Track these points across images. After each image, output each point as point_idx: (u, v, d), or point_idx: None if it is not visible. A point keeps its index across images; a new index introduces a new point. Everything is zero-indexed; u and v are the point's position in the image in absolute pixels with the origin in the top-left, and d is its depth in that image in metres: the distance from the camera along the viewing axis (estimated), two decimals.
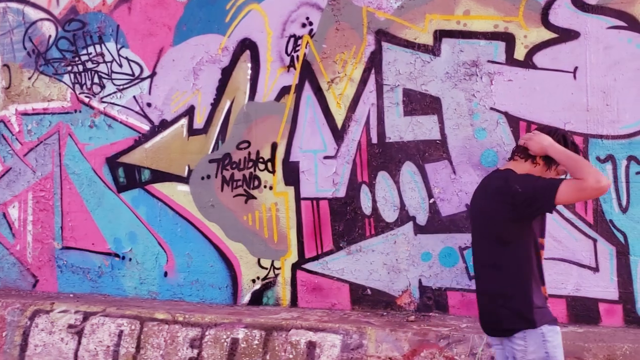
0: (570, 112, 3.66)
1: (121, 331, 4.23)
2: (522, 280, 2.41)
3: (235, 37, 4.47)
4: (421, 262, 4.01)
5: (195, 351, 4.02)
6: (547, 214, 2.55)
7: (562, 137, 2.65)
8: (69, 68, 5.01)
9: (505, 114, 3.80)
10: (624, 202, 3.57)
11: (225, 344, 3.95)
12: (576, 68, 3.65)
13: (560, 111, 3.68)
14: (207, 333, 4.03)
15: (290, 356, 3.77)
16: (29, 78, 5.13)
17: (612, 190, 3.59)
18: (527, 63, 3.74)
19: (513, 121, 3.78)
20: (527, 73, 3.75)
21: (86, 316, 4.40)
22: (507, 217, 2.42)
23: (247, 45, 4.43)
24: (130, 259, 4.81)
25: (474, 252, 2.66)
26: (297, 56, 4.29)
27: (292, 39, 4.30)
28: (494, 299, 2.48)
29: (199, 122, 4.57)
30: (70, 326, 4.38)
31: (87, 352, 4.26)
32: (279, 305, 4.38)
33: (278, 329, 3.88)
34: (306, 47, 4.26)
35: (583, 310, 3.64)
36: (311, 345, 3.76)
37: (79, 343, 4.31)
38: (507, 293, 2.43)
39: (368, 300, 4.15)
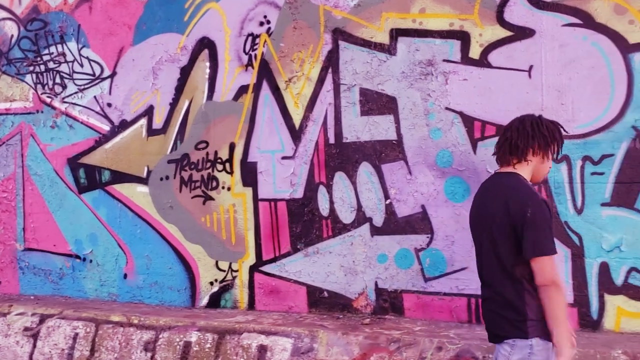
0: (525, 112, 3.50)
1: (76, 334, 4.16)
2: (518, 291, 2.33)
3: (194, 36, 4.40)
4: (377, 264, 3.93)
5: (149, 354, 3.95)
6: None
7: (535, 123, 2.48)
8: (31, 68, 4.94)
9: (460, 113, 3.72)
10: (578, 204, 3.49)
11: (178, 347, 3.88)
12: (531, 67, 3.58)
13: (515, 111, 3.58)
14: (160, 336, 3.96)
15: (242, 359, 3.70)
16: None
17: (567, 192, 3.51)
18: (482, 62, 3.67)
19: (468, 121, 3.71)
20: (482, 72, 3.67)
21: (43, 319, 4.33)
22: (507, 229, 2.33)
23: (206, 44, 4.36)
24: (90, 261, 4.74)
25: (477, 258, 2.52)
26: (255, 55, 4.23)
27: (250, 38, 4.24)
28: (491, 305, 2.41)
29: (158, 122, 4.51)
30: (26, 329, 4.31)
31: (42, 355, 4.19)
32: (236, 308, 4.30)
33: (231, 333, 3.81)
34: (264, 46, 4.20)
35: None
36: (262, 348, 3.68)
37: (34, 346, 4.24)
38: (503, 301, 2.35)
39: (325, 303, 4.08)
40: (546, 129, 2.47)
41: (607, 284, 3.45)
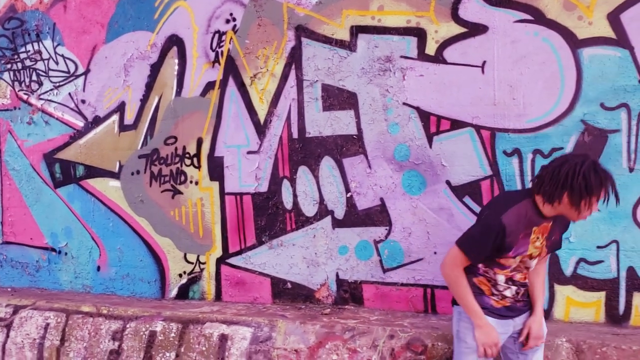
0: (478, 107, 3.65)
1: (47, 324, 4.26)
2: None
3: (163, 34, 4.49)
4: (338, 255, 4.01)
5: (117, 343, 4.04)
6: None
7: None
8: (9, 66, 5.04)
9: (417, 108, 3.79)
10: None
11: (144, 336, 3.97)
12: (484, 62, 3.64)
13: (468, 105, 3.67)
14: (128, 326, 4.05)
15: (204, 348, 3.78)
16: None
17: (519, 184, 3.58)
18: (438, 58, 3.74)
19: (424, 116, 3.78)
20: (437, 68, 3.74)
21: (16, 309, 4.43)
22: None
23: (175, 42, 4.44)
24: (66, 254, 4.84)
25: None
26: (222, 52, 4.30)
27: (216, 35, 4.32)
28: None
29: (129, 118, 4.59)
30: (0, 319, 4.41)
31: (15, 344, 4.29)
32: (204, 299, 4.39)
33: (194, 322, 3.90)
34: (230, 43, 4.27)
35: None
36: (223, 337, 3.77)
37: (7, 336, 4.33)
38: None
39: (288, 293, 4.16)
40: (582, 181, 2.35)
41: (556, 275, 3.51)
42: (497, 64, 3.60)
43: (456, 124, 3.69)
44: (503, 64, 3.59)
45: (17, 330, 4.33)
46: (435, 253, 3.74)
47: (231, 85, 4.28)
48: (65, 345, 4.16)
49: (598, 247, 3.44)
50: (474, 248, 2.61)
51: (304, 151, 4.08)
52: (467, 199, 3.67)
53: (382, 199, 3.89)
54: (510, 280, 2.73)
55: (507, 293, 2.74)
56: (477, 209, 3.64)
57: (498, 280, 2.71)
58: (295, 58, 4.09)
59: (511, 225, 2.53)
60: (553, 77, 3.49)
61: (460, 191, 3.69)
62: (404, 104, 3.82)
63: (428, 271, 3.78)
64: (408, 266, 3.84)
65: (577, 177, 2.37)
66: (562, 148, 3.48)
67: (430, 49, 3.75)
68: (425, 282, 3.80)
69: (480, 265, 2.71)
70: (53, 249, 4.88)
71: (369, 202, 3.93)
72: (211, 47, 4.33)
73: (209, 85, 4.34)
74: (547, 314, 3.52)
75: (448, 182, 3.72)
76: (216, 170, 4.33)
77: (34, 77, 4.95)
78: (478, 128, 3.64)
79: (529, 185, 3.54)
